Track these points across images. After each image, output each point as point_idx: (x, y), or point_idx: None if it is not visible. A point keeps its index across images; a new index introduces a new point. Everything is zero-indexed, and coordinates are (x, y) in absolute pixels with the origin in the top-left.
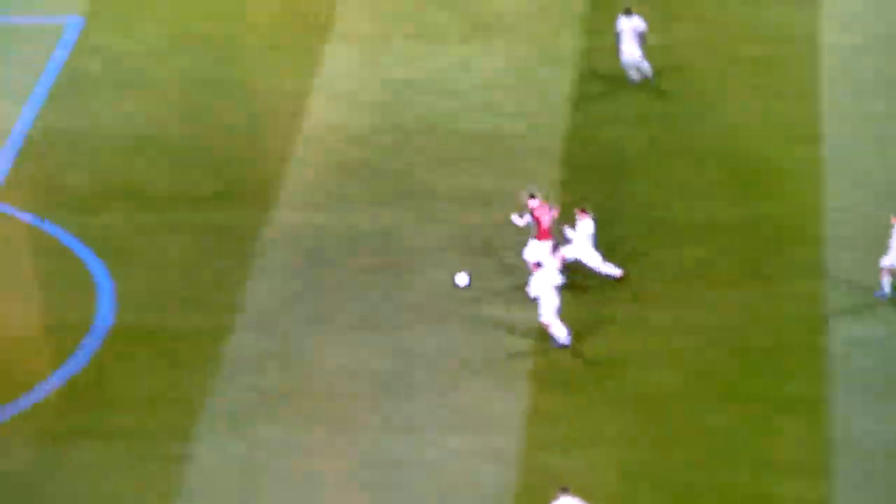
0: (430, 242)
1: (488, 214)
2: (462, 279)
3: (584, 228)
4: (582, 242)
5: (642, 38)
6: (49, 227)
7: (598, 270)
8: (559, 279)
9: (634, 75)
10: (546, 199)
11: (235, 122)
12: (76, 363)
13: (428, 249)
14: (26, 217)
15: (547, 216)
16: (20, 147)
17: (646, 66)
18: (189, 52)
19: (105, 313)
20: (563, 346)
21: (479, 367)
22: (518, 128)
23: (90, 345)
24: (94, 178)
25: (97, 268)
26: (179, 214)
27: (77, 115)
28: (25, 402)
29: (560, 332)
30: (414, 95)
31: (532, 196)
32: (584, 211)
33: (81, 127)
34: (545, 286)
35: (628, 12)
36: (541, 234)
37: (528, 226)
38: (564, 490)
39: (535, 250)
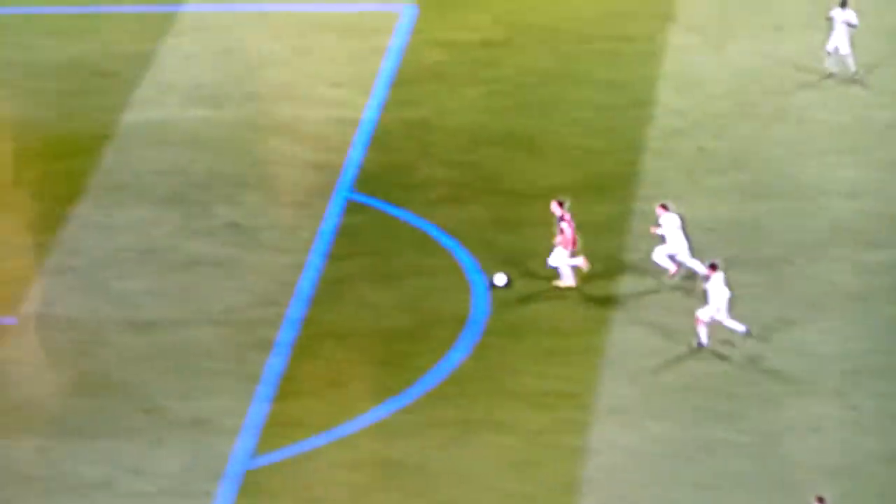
0: (803, 236)
1: (858, 207)
2: (500, 279)
3: (668, 223)
4: (673, 236)
5: (851, 32)
6: (411, 218)
7: (686, 265)
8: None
9: (834, 66)
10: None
11: (582, 114)
12: (459, 355)
13: (802, 243)
14: (387, 207)
15: (570, 224)
16: (372, 136)
17: (850, 61)
18: (526, 43)
19: (480, 305)
20: (701, 346)
21: (878, 367)
22: (882, 118)
23: (470, 337)
24: (450, 168)
25: (466, 260)
26: (539, 207)
27: (422, 105)
28: (413, 393)
29: (704, 335)
30: (764, 84)
31: (561, 203)
32: (664, 207)
33: (428, 116)
34: (718, 286)
35: (843, 4)
36: (570, 242)
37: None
38: (821, 500)
39: (561, 256)
